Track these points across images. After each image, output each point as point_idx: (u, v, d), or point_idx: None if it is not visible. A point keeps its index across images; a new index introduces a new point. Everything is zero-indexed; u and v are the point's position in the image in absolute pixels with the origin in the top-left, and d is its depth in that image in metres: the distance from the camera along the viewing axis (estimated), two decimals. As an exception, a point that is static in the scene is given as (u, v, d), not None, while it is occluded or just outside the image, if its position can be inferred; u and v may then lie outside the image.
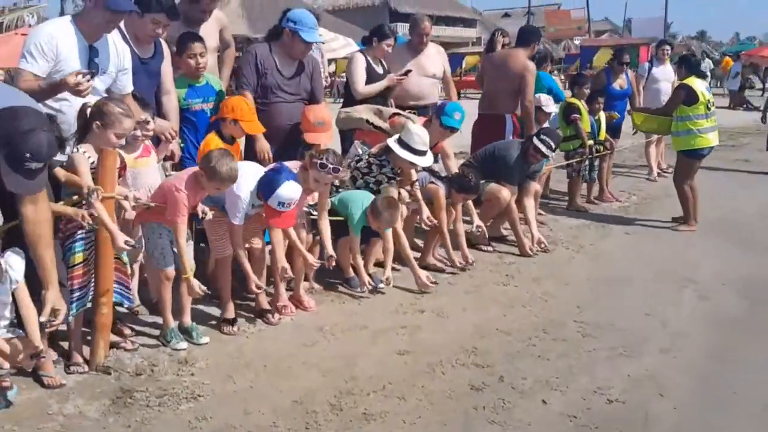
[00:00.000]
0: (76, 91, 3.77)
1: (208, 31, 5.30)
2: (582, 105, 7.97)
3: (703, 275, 5.89)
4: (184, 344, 4.15)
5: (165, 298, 4.20)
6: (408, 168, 5.55)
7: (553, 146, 6.46)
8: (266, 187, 4.30)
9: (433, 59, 6.93)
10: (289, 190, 4.28)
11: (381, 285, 5.34)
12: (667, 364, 4.23)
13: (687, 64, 7.84)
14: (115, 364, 3.91)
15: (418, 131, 5.44)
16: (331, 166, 4.58)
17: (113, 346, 4.06)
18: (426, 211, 5.62)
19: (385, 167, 5.45)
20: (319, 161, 4.56)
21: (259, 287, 4.51)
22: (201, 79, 5.13)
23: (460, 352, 4.31)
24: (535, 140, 6.30)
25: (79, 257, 3.80)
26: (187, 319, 4.32)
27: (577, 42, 33.60)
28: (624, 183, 9.79)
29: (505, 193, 6.33)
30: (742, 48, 31.26)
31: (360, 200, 5.17)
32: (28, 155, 2.86)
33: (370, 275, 5.34)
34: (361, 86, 6.39)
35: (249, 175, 4.38)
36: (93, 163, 3.79)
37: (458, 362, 4.17)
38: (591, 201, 8.59)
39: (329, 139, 5.18)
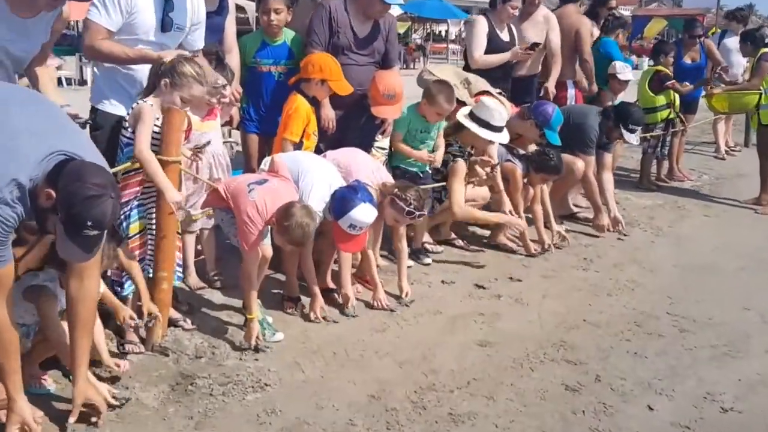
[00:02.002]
0: None
1: None
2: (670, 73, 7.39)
3: (796, 263, 5.40)
4: (280, 335, 3.75)
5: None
6: (483, 146, 5.10)
7: (639, 133, 5.97)
8: (339, 205, 3.81)
9: (539, 27, 6.28)
10: (363, 214, 3.78)
11: (428, 260, 4.99)
12: (779, 367, 3.79)
13: (752, 39, 7.28)
14: (173, 345, 3.56)
15: (494, 105, 4.98)
16: (417, 213, 4.13)
17: (171, 324, 3.71)
18: (506, 200, 5.19)
19: (453, 146, 5.01)
20: (403, 204, 4.07)
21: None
22: (278, 38, 4.69)
23: (548, 345, 3.89)
24: (624, 131, 5.78)
25: (135, 227, 3.46)
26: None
27: (626, 12, 32.37)
28: (691, 161, 9.21)
29: (580, 165, 5.84)
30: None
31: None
32: (89, 224, 2.45)
33: (418, 249, 5.04)
34: (478, 54, 5.86)
35: (327, 185, 3.90)
36: (157, 119, 3.40)
37: (547, 357, 3.76)
38: (661, 179, 8.07)
39: (398, 113, 4.71)
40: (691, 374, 3.67)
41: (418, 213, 4.13)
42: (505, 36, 5.98)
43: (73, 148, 2.52)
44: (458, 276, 4.83)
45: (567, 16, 6.65)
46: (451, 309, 4.28)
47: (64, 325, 2.88)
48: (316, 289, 4.03)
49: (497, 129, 4.95)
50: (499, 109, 4.97)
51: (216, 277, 4.32)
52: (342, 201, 3.80)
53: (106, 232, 2.88)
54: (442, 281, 4.72)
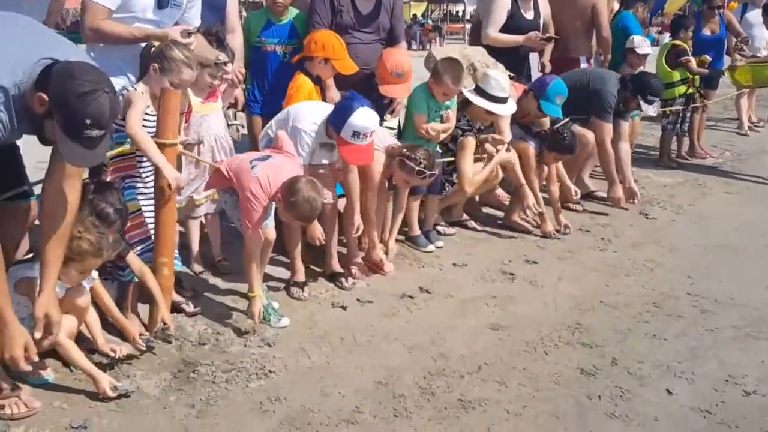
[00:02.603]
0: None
1: None
2: (689, 48, 7.16)
3: (823, 242, 5.21)
4: (286, 320, 3.66)
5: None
6: (484, 119, 4.94)
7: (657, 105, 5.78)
8: (337, 116, 3.74)
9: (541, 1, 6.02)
10: (363, 118, 3.70)
11: (440, 243, 4.87)
12: (804, 348, 3.63)
13: (775, 11, 7.01)
14: (176, 332, 3.47)
15: (496, 76, 4.82)
16: (428, 173, 4.07)
17: (174, 309, 3.62)
18: (518, 171, 5.03)
19: (459, 121, 4.86)
20: (413, 164, 4.03)
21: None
22: (283, 17, 4.55)
23: (563, 328, 3.77)
24: (642, 102, 5.61)
25: (133, 206, 3.37)
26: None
27: (646, -14, 31.65)
28: (713, 137, 8.95)
29: (591, 137, 5.69)
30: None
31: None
32: (88, 122, 2.35)
33: (429, 231, 4.92)
34: (493, 31, 5.64)
35: (315, 110, 3.86)
36: (148, 107, 3.31)
37: (561, 340, 3.63)
38: (682, 156, 7.85)
39: (407, 92, 4.57)
40: (712, 356, 3.53)
41: (428, 172, 4.07)
42: (529, 14, 5.78)
43: (63, 57, 2.45)
44: (470, 258, 4.70)
45: None
46: (462, 292, 4.16)
47: (63, 318, 2.81)
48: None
49: (501, 100, 4.79)
50: (501, 79, 4.80)
51: (221, 263, 4.23)
52: (340, 111, 3.75)
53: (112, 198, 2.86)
54: (454, 264, 4.60)
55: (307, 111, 3.88)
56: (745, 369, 3.41)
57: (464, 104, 4.88)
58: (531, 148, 5.14)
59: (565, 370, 3.35)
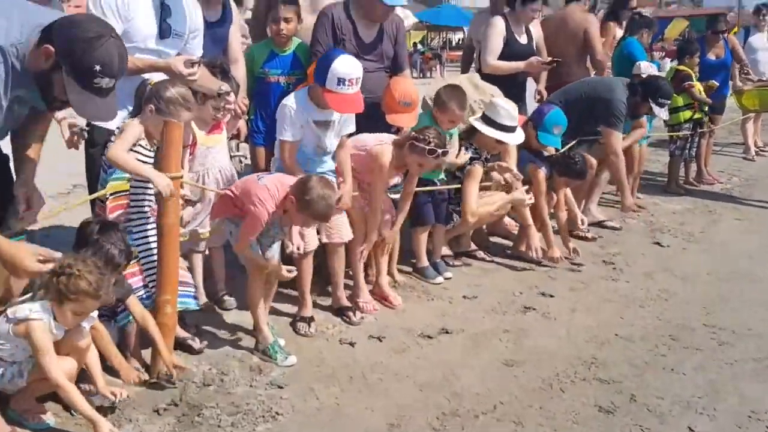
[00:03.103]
0: (186, 81, 3.32)
1: None
2: (694, 74, 7.13)
3: (839, 269, 5.10)
4: (293, 359, 3.54)
5: (256, 301, 3.57)
6: (494, 148, 4.87)
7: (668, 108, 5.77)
8: (319, 68, 3.67)
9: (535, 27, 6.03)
10: (346, 64, 3.63)
11: (448, 274, 4.77)
12: (827, 381, 3.52)
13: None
14: (179, 373, 3.36)
15: (504, 104, 4.76)
16: (440, 151, 3.99)
17: (179, 345, 3.52)
18: (522, 194, 4.92)
19: (468, 149, 4.79)
20: (423, 144, 3.95)
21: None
22: (287, 48, 4.50)
23: (578, 363, 3.65)
24: (654, 105, 5.55)
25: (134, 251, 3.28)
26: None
27: (647, 12, 31.82)
28: (720, 162, 8.88)
29: (593, 162, 5.62)
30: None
31: None
32: (97, 68, 2.35)
33: (438, 262, 4.82)
34: (492, 58, 5.61)
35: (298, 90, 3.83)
36: (142, 140, 3.26)
37: (578, 376, 3.52)
38: (689, 182, 7.77)
39: (414, 121, 4.50)
40: (733, 391, 3.42)
41: (440, 150, 4.00)
42: (523, 39, 5.74)
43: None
44: (480, 290, 4.59)
45: (572, 15, 6.40)
46: (474, 326, 4.05)
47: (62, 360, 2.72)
48: None
49: (509, 129, 4.73)
50: (509, 108, 4.75)
51: (225, 297, 4.13)
52: (321, 62, 3.71)
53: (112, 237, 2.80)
54: (464, 296, 4.49)
55: (290, 95, 3.86)
56: (767, 404, 3.30)
57: (471, 133, 4.81)
58: (542, 171, 5.06)
59: (582, 408, 3.23)
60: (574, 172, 5.07)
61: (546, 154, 5.18)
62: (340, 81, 3.59)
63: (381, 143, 4.06)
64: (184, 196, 3.48)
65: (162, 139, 3.14)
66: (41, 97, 2.51)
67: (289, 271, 3.49)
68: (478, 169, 4.75)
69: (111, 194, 3.29)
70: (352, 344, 3.77)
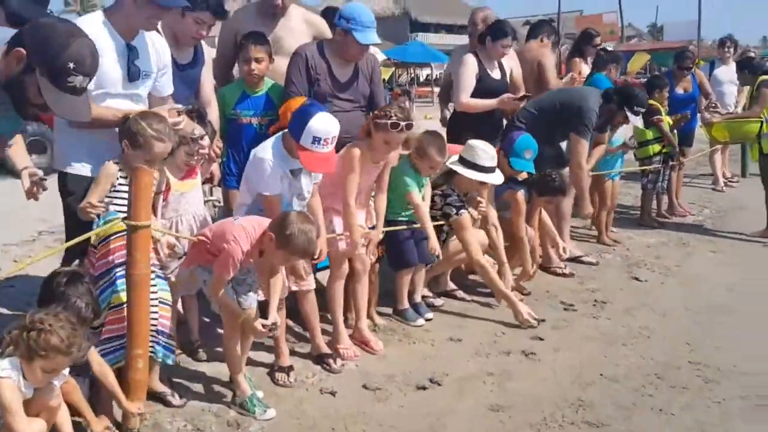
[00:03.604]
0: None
1: (291, 33, 4.62)
2: (663, 108, 7.21)
3: (816, 300, 5.11)
4: (272, 411, 3.39)
5: (233, 352, 3.45)
6: (476, 189, 4.83)
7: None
8: (296, 122, 3.54)
9: (505, 62, 5.98)
10: (323, 122, 3.49)
11: (429, 315, 4.69)
12: (817, 418, 3.47)
13: (750, 67, 7.13)
14: (153, 430, 3.20)
15: (482, 145, 4.72)
16: (404, 123, 3.90)
17: (158, 400, 3.37)
18: (501, 250, 4.96)
19: (450, 196, 4.73)
20: (387, 121, 3.88)
21: None
22: (259, 89, 4.43)
23: (565, 406, 3.57)
24: (629, 113, 5.59)
25: (120, 297, 3.16)
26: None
27: (610, 47, 32.40)
28: (690, 194, 8.96)
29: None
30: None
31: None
32: (71, 65, 2.37)
33: (418, 303, 4.74)
34: (465, 96, 5.58)
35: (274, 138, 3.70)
36: (120, 185, 3.16)
37: (566, 420, 3.43)
38: (662, 214, 7.81)
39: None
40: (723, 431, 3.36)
41: (404, 122, 3.90)
42: (496, 74, 5.76)
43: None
44: (462, 332, 4.50)
45: (529, 50, 6.46)
46: (458, 370, 3.94)
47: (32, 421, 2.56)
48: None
49: (488, 170, 4.69)
50: (487, 149, 4.71)
51: (200, 348, 3.98)
52: (298, 116, 3.55)
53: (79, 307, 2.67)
54: (446, 339, 4.40)
55: (266, 141, 3.73)
56: (758, 445, 3.24)
57: (448, 176, 4.76)
58: (520, 194, 5.05)
59: (573, 454, 3.15)
60: (554, 189, 5.11)
61: (521, 178, 5.15)
62: (316, 140, 3.47)
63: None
64: (173, 246, 3.38)
65: (130, 185, 3.03)
66: (14, 105, 2.48)
67: (264, 326, 3.34)
68: (466, 218, 4.68)
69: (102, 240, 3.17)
70: (333, 393, 3.64)
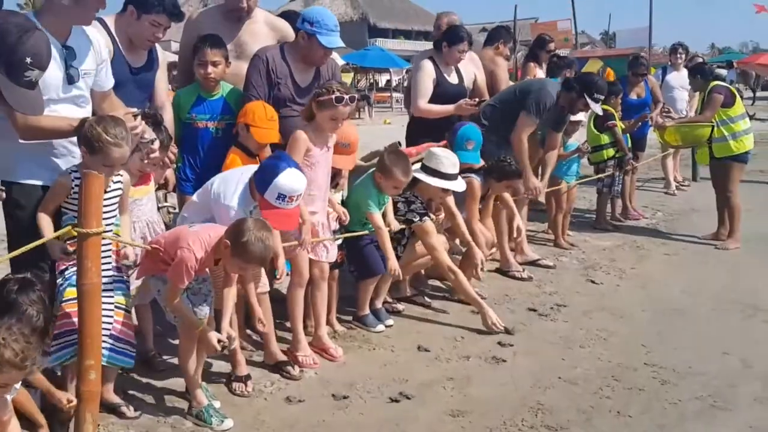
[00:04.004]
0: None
1: (255, 37, 4.53)
2: (617, 114, 7.33)
3: (767, 301, 5.22)
4: (229, 422, 3.32)
5: (188, 362, 3.37)
6: (440, 197, 4.81)
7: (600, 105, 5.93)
8: (262, 176, 3.42)
9: (468, 68, 6.01)
10: (291, 179, 3.38)
11: (389, 321, 4.68)
12: (769, 417, 3.55)
13: (702, 73, 7.29)
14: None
15: (443, 153, 4.73)
16: (347, 96, 3.86)
17: (111, 411, 3.28)
18: (463, 228, 4.94)
19: (414, 203, 4.71)
20: (331, 96, 3.82)
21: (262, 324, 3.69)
22: (215, 92, 4.35)
23: (524, 410, 3.57)
24: (589, 100, 5.67)
25: (73, 291, 3.07)
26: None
27: (564, 54, 32.78)
28: (643, 198, 9.12)
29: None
30: (730, 57, 31.05)
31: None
32: (28, 60, 2.42)
33: (379, 309, 4.72)
34: (423, 102, 5.58)
35: (238, 178, 3.56)
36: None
37: (525, 424, 3.43)
38: (616, 218, 7.93)
39: (352, 163, 4.41)
40: (681, 432, 3.40)
41: (347, 96, 3.86)
42: (453, 78, 5.77)
43: None
44: (422, 337, 4.48)
45: (483, 58, 6.49)
46: (418, 375, 3.93)
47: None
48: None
49: (450, 177, 4.69)
50: (449, 155, 4.72)
51: (155, 358, 3.89)
52: (266, 170, 3.42)
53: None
54: (406, 345, 4.37)
55: (229, 178, 3.60)
56: (715, 445, 3.29)
57: (412, 183, 4.74)
58: (476, 181, 5.09)
59: (533, 458, 3.15)
60: (511, 172, 5.15)
61: (476, 167, 5.18)
62: (281, 196, 3.38)
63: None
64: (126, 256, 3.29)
65: (80, 192, 2.94)
66: None
67: (219, 341, 3.26)
68: (429, 224, 4.66)
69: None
70: (292, 402, 3.58)
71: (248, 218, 3.21)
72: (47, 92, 3.11)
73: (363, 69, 30.48)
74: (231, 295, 3.40)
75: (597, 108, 5.86)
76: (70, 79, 3.20)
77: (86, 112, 3.35)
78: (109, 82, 3.50)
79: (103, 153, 3.04)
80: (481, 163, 5.15)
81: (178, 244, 3.17)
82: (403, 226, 4.69)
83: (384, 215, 4.54)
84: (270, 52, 4.29)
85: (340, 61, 16.86)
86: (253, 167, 3.66)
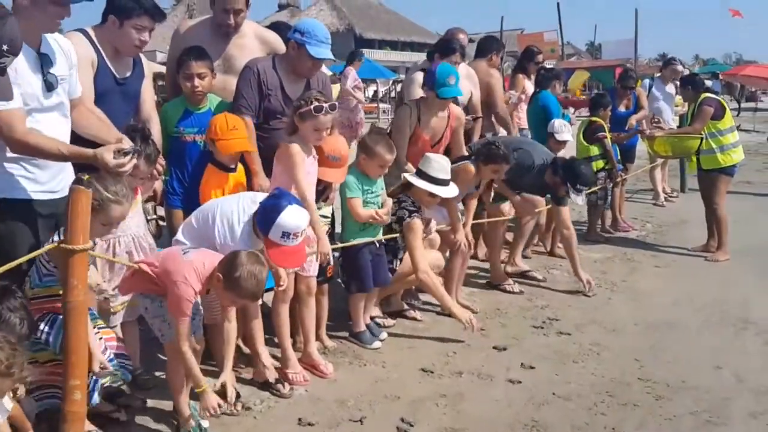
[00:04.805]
0: (117, 173, 3.06)
1: (243, 51, 4.45)
2: (606, 125, 7.32)
3: (758, 314, 5.21)
4: None
5: (176, 381, 3.32)
6: (426, 201, 4.78)
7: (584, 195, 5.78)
8: (264, 217, 3.36)
9: (463, 83, 5.83)
10: (293, 217, 3.32)
11: (383, 335, 4.63)
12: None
13: (693, 84, 7.31)
14: None
15: (436, 158, 4.70)
16: (326, 105, 3.81)
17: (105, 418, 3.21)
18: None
19: (405, 202, 4.68)
20: (310, 107, 3.79)
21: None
22: (202, 105, 4.28)
23: (519, 427, 3.53)
24: (572, 191, 5.53)
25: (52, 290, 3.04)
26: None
27: (550, 65, 32.90)
28: (632, 209, 9.11)
29: (507, 209, 5.78)
30: (715, 68, 31.32)
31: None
32: (5, 47, 2.42)
33: (369, 324, 4.66)
34: None
35: (239, 216, 3.46)
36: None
37: (520, 442, 3.39)
38: (606, 230, 7.91)
39: (342, 177, 4.36)
40: (676, 449, 3.36)
41: (326, 104, 3.82)
42: None
43: None
44: (414, 353, 4.43)
45: (478, 71, 6.47)
46: (410, 392, 3.87)
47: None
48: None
49: (442, 182, 4.66)
50: (441, 161, 4.70)
51: (141, 376, 3.80)
52: (267, 211, 3.35)
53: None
54: (397, 360, 4.32)
55: (230, 216, 3.46)
56: (711, 461, 3.25)
57: (405, 187, 4.71)
58: (470, 165, 5.03)
59: (528, 477, 3.10)
60: (499, 157, 5.03)
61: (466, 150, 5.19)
62: (285, 235, 3.32)
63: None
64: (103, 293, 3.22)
65: (67, 208, 2.87)
66: None
67: (220, 406, 3.17)
68: (417, 223, 4.61)
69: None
70: (284, 421, 3.51)
71: (242, 252, 3.13)
72: (30, 101, 3.06)
73: (350, 80, 30.45)
74: (232, 334, 3.37)
75: (578, 200, 5.71)
76: (49, 86, 3.14)
77: (68, 122, 3.30)
78: (77, 89, 3.43)
79: (103, 211, 2.98)
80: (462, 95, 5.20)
81: (173, 277, 3.09)
82: (395, 235, 4.65)
83: (382, 205, 4.54)
84: (261, 63, 4.24)
85: (327, 72, 16.82)
86: (248, 195, 3.61)
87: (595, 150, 7.30)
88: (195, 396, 3.48)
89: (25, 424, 2.80)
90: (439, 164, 4.66)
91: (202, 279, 3.08)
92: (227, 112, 4.16)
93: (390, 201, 4.62)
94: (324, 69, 4.77)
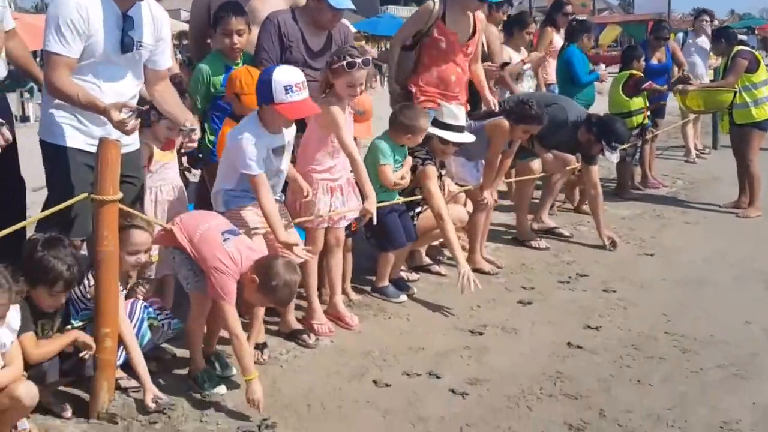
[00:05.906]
0: (119, 128, 3.06)
1: (266, 4, 4.41)
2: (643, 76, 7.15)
3: (789, 270, 5.14)
4: (222, 388, 3.33)
5: (194, 328, 3.38)
6: (444, 151, 4.72)
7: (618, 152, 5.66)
8: (262, 89, 3.40)
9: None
10: (285, 72, 3.39)
11: (411, 290, 4.64)
12: (793, 386, 3.49)
13: (726, 36, 7.09)
14: (122, 411, 3.10)
15: (450, 106, 4.66)
16: (359, 60, 3.76)
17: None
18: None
19: (418, 152, 4.62)
20: (343, 63, 3.75)
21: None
22: (240, 61, 4.25)
23: (543, 379, 3.53)
24: (606, 149, 5.40)
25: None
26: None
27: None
28: (663, 166, 8.94)
29: (536, 165, 5.68)
30: (751, 23, 30.44)
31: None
32: None
33: (397, 280, 4.66)
34: None
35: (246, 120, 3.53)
36: None
37: (544, 393, 3.40)
38: (635, 187, 7.80)
39: (368, 131, 4.33)
40: (702, 401, 3.36)
41: (359, 59, 3.77)
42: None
43: None
44: (438, 307, 4.44)
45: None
46: (434, 345, 3.89)
47: None
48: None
49: (454, 128, 4.62)
50: (453, 107, 4.67)
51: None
52: (261, 84, 3.41)
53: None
54: (422, 314, 4.34)
55: (240, 124, 3.56)
56: (737, 413, 3.25)
57: (425, 141, 4.68)
58: (504, 120, 4.93)
59: (552, 426, 3.13)
60: (531, 117, 4.90)
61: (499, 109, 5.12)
62: (287, 89, 3.34)
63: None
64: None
65: (96, 160, 2.90)
66: None
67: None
68: (431, 168, 4.56)
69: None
70: (308, 370, 3.56)
71: (279, 259, 3.16)
72: (96, 55, 3.12)
73: (375, 37, 30.17)
74: (256, 325, 3.59)
75: (613, 157, 5.60)
76: (125, 48, 3.17)
77: (136, 85, 3.35)
78: (166, 62, 3.46)
79: (125, 242, 3.04)
80: None
81: (211, 261, 3.11)
82: (419, 197, 4.62)
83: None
84: (281, 15, 4.21)
85: (352, 29, 16.61)
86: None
87: (637, 103, 7.12)
88: (223, 344, 3.56)
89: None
90: (449, 110, 4.62)
91: (239, 270, 3.10)
92: (248, 65, 4.14)
93: (410, 160, 4.58)
94: (349, 26, 4.72)
